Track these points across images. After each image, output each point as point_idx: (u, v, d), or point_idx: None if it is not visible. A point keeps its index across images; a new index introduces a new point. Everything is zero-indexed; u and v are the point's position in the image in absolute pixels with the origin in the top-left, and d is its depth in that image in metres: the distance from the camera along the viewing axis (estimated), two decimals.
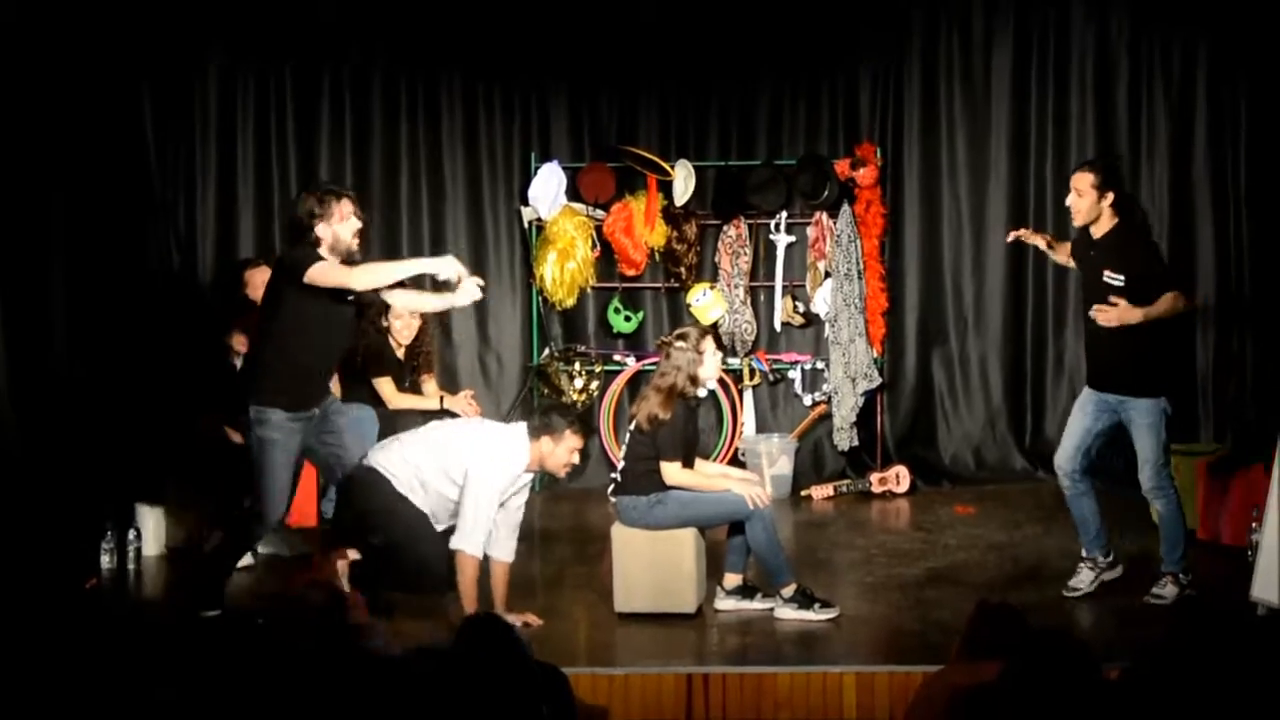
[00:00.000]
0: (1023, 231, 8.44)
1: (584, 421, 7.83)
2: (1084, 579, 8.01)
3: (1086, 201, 7.66)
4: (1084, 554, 8.05)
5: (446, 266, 7.56)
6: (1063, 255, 8.23)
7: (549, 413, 7.71)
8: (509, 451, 7.59)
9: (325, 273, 7.31)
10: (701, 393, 7.89)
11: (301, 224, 7.44)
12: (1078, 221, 7.79)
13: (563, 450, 7.59)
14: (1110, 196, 7.66)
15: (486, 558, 7.59)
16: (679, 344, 7.72)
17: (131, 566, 8.78)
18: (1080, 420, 7.92)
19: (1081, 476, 7.94)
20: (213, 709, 5.01)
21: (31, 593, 8.13)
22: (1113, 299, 7.59)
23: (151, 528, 9.05)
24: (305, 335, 7.45)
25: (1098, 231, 7.75)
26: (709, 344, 7.75)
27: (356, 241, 7.50)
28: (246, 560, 8.47)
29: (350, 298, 7.51)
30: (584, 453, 11.00)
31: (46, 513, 9.07)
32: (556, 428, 7.58)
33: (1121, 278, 7.62)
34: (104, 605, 8.23)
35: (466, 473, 7.53)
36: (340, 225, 7.41)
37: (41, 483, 9.23)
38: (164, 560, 9.03)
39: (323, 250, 7.40)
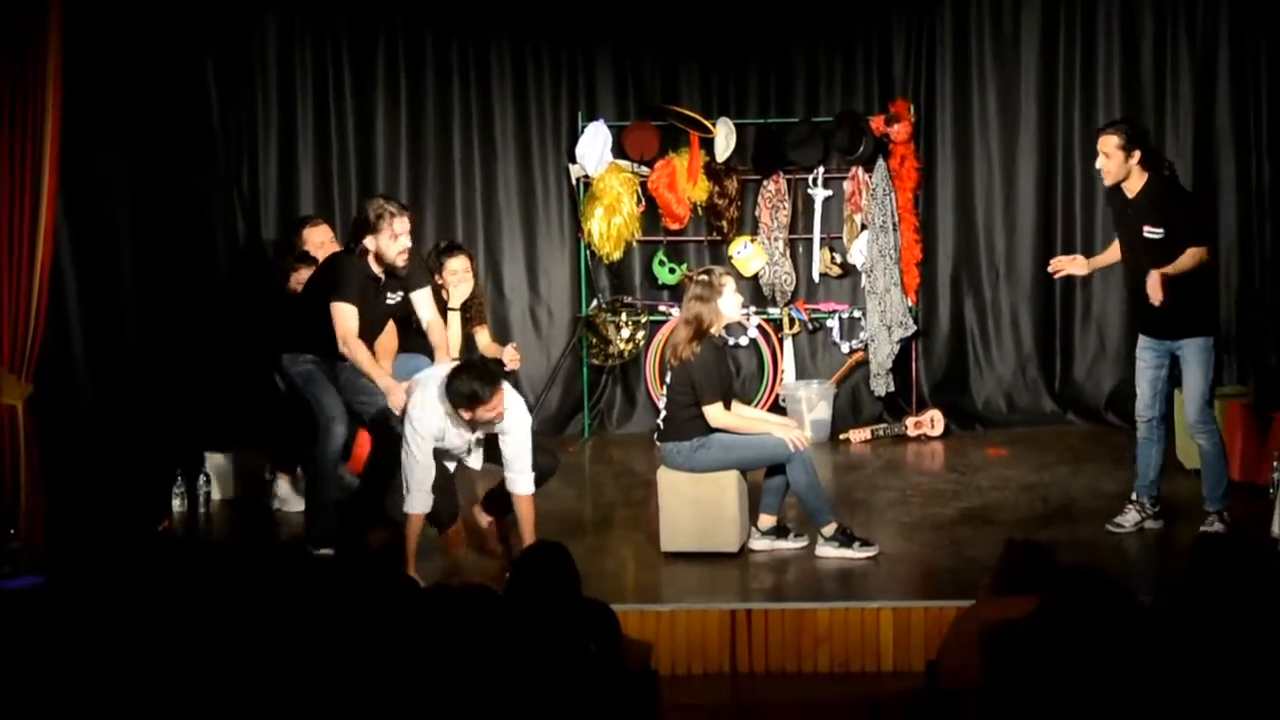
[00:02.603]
0: (1060, 264, 8.13)
1: (489, 375, 7.01)
2: (1129, 519, 7.94)
3: (1114, 162, 7.57)
4: (1133, 496, 7.98)
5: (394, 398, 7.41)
6: (1103, 259, 8.14)
7: (450, 382, 7.01)
8: (419, 412, 7.16)
9: (341, 314, 7.61)
10: (726, 333, 7.81)
11: (360, 227, 7.78)
12: (1108, 181, 7.71)
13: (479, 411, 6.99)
14: (1137, 154, 7.56)
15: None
16: (701, 276, 7.73)
17: (202, 511, 8.83)
18: (1146, 369, 7.85)
19: (1159, 423, 7.87)
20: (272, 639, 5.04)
21: (108, 533, 8.20)
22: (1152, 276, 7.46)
23: (220, 475, 9.07)
24: None
25: (1131, 190, 7.64)
26: (729, 282, 7.69)
27: (403, 259, 7.76)
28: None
29: (392, 301, 7.89)
30: (631, 399, 11.11)
31: (120, 459, 9.12)
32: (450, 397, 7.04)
33: (1160, 231, 7.55)
34: (176, 545, 8.30)
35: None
36: (389, 243, 7.70)
37: (115, 432, 9.29)
38: (233, 505, 9.07)
39: (370, 260, 7.72)
